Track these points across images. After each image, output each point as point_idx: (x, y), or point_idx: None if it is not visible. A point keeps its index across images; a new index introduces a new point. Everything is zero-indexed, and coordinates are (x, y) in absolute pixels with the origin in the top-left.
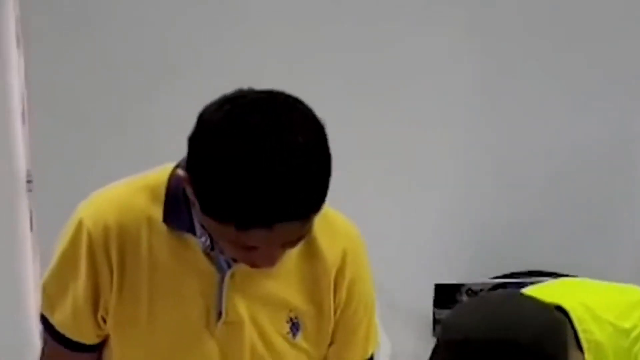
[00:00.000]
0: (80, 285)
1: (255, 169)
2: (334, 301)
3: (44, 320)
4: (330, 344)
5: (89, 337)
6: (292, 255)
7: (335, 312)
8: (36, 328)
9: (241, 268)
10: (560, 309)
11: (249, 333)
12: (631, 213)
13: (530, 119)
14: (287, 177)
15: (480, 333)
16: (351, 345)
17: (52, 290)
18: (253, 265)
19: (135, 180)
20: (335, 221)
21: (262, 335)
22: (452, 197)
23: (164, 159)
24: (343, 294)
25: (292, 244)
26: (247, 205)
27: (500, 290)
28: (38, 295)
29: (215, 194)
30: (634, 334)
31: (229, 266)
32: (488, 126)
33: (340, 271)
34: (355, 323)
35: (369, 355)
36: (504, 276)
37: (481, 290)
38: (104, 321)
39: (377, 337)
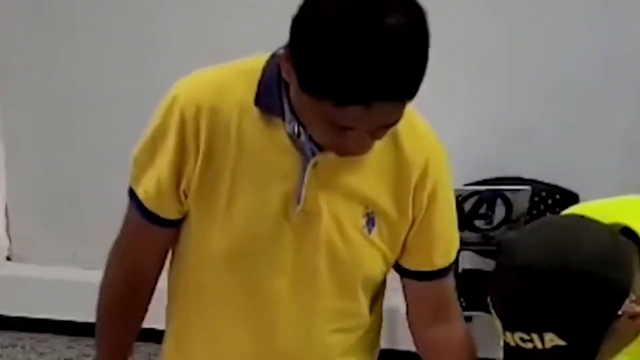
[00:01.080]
0: (166, 158)
1: (358, 45)
2: (413, 207)
3: (131, 192)
4: (414, 251)
5: (169, 212)
6: (376, 151)
7: (414, 220)
8: None
9: (325, 158)
10: (628, 229)
11: (326, 224)
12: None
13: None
14: (388, 56)
15: (542, 259)
16: (435, 252)
17: (140, 162)
18: (342, 150)
19: (233, 64)
20: (419, 125)
21: (339, 227)
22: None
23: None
24: (424, 202)
25: (384, 129)
26: (348, 80)
27: (563, 215)
28: None
29: (317, 69)
30: None
31: (314, 155)
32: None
33: (422, 179)
34: (437, 230)
35: (450, 261)
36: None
37: (459, 196)
38: (185, 196)
39: (457, 242)
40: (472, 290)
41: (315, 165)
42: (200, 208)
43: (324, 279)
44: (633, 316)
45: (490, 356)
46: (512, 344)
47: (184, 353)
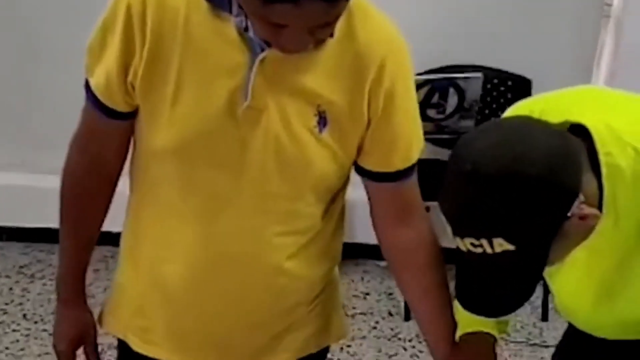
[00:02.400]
0: (114, 50)
1: None
2: (369, 106)
3: (86, 83)
4: (372, 152)
5: (120, 104)
6: (330, 48)
7: (370, 120)
8: None
9: (273, 54)
10: (580, 127)
11: (273, 122)
12: None
13: None
14: None
15: (490, 164)
16: (394, 153)
17: (92, 53)
18: (281, 47)
19: None
20: (375, 18)
21: (287, 125)
22: None
23: None
24: (381, 100)
25: (320, 29)
26: None
27: (512, 117)
28: None
29: None
30: None
31: (262, 51)
32: None
33: (379, 74)
34: (397, 130)
35: (412, 163)
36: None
37: None
38: (133, 88)
39: (420, 143)
40: (428, 180)
41: (263, 61)
42: (147, 102)
43: (272, 179)
44: (583, 217)
45: (447, 245)
46: (464, 249)
47: (137, 251)
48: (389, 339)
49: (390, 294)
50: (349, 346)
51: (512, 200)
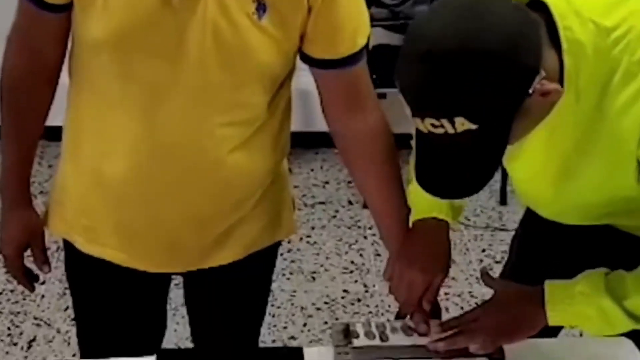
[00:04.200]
0: None
1: None
2: None
3: None
4: (317, 39)
5: None
6: None
7: (310, 7)
8: None
9: None
10: (539, 2)
11: (211, 9)
12: None
13: None
14: None
15: (446, 42)
16: (339, 38)
17: None
18: None
19: None
20: None
21: (225, 11)
22: None
23: None
24: None
25: None
26: None
27: None
28: None
29: None
30: (615, 34)
31: None
32: None
33: None
34: (341, 15)
35: (358, 48)
36: None
37: None
38: None
39: (366, 29)
40: (384, 66)
41: None
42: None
43: (212, 68)
44: (544, 93)
45: (403, 131)
46: (424, 130)
47: (78, 149)
48: (349, 227)
49: (350, 182)
50: (309, 236)
51: (471, 77)
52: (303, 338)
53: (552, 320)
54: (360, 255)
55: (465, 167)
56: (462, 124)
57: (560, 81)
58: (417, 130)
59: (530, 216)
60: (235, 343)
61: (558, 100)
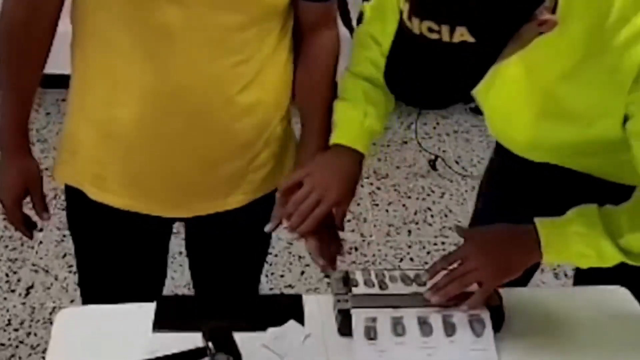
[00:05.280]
0: None
1: None
2: None
3: None
4: None
5: None
6: None
7: None
8: None
9: None
10: None
11: None
12: None
13: None
14: None
15: None
16: None
17: None
18: None
19: None
20: None
21: None
22: None
23: None
24: None
25: None
26: None
27: None
28: None
29: None
30: None
31: None
32: None
33: None
34: None
35: None
36: None
37: None
38: None
39: None
40: None
41: None
42: None
43: (220, 9)
44: (541, 22)
45: None
46: (416, 31)
47: (87, 98)
48: None
49: None
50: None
51: None
52: (300, 286)
53: (548, 259)
54: (358, 204)
55: (446, 78)
56: (462, 34)
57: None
58: (403, 31)
59: (498, 160)
60: (235, 290)
61: (548, 32)
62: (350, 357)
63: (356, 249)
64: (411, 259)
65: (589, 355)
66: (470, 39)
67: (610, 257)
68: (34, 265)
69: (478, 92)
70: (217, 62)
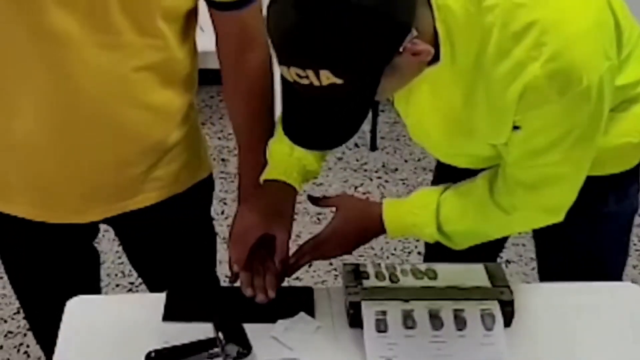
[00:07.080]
0: None
1: None
2: None
3: None
4: None
5: None
6: None
7: None
8: None
9: None
10: None
11: None
12: None
13: None
14: None
15: None
16: None
17: None
18: None
19: None
20: None
21: None
22: None
23: None
24: None
25: None
26: None
27: None
28: None
29: None
30: (486, 3)
31: None
32: None
33: None
34: None
35: None
36: None
37: None
38: None
39: None
40: None
41: None
42: None
43: (116, 15)
44: (416, 53)
45: None
46: (289, 79)
47: None
48: (355, 170)
49: None
50: (315, 177)
51: (341, 29)
52: (308, 279)
53: (392, 237)
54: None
55: (330, 120)
56: (328, 78)
57: (436, 41)
58: (283, 79)
59: None
60: (189, 285)
61: (429, 61)
62: (360, 349)
63: None
64: (419, 253)
65: (598, 351)
66: (338, 81)
67: (429, 236)
68: None
69: (397, 103)
70: (119, 67)
